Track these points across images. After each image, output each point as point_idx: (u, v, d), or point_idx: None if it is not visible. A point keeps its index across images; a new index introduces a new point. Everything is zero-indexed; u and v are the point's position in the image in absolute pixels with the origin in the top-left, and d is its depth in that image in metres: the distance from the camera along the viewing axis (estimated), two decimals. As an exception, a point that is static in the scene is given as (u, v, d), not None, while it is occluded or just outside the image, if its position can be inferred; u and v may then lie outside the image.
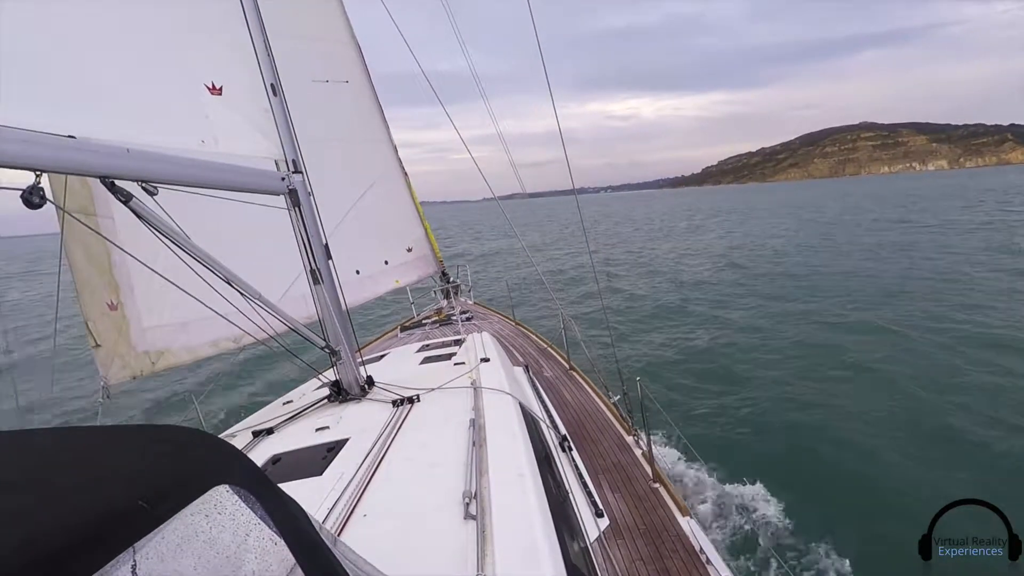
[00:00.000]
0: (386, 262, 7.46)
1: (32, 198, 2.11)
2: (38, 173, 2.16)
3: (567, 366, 7.26)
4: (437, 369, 4.59)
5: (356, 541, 1.54)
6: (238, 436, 3.74)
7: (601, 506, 3.78)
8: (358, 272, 6.82)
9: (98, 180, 2.46)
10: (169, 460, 0.94)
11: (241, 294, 3.27)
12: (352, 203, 6.68)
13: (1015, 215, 38.61)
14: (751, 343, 12.61)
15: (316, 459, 3.00)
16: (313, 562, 1.01)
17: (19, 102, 2.32)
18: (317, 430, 3.46)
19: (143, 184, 2.58)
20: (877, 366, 10.40)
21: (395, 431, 3.22)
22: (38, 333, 18.32)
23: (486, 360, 4.46)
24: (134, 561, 0.75)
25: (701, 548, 3.59)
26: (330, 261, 3.92)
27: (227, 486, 0.93)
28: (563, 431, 4.49)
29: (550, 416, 4.65)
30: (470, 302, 10.73)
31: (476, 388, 3.75)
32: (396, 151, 7.71)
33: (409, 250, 7.93)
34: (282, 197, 3.59)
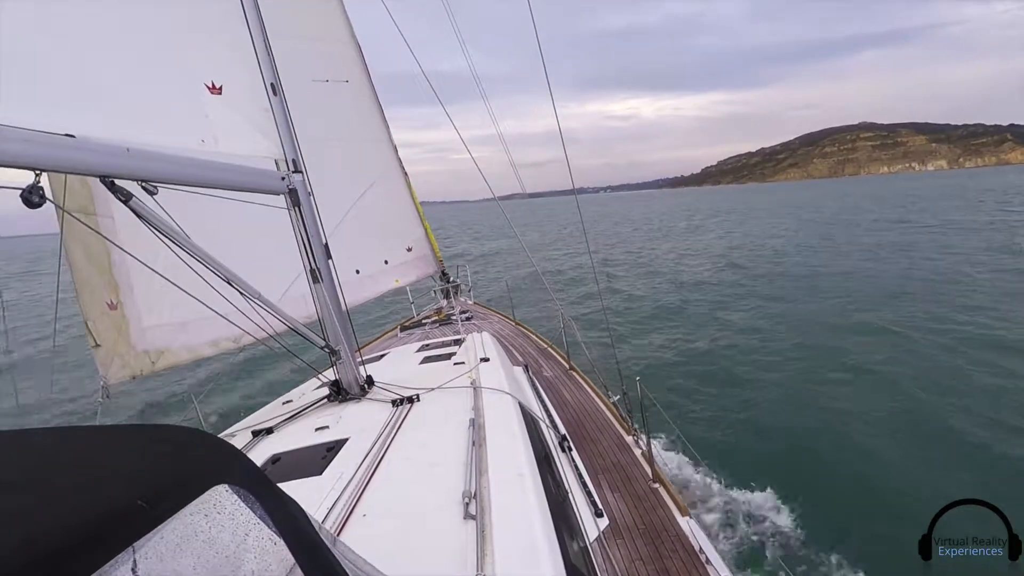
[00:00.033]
0: (386, 262, 7.46)
1: (32, 197, 2.10)
2: (38, 172, 2.16)
3: (567, 366, 7.26)
4: (437, 369, 4.59)
5: (356, 541, 1.54)
6: (238, 436, 3.73)
7: (601, 506, 3.78)
8: (358, 272, 6.82)
9: (98, 179, 2.46)
10: (169, 460, 0.94)
11: (241, 294, 3.27)
12: (352, 203, 6.68)
13: (1015, 215, 38.62)
14: (751, 344, 12.61)
15: (316, 459, 3.00)
16: (312, 562, 1.01)
17: (19, 102, 2.32)
18: (317, 430, 3.46)
19: (143, 183, 2.58)
20: (877, 367, 10.41)
21: (395, 431, 3.21)
22: (37, 333, 18.32)
23: (486, 360, 4.46)
24: (134, 561, 0.75)
25: (701, 548, 3.59)
26: (330, 261, 3.92)
27: (226, 486, 0.93)
28: (563, 431, 4.49)
29: (550, 416, 4.65)
30: (470, 302, 10.74)
31: (476, 388, 3.75)
32: (396, 151, 7.71)
33: (409, 250, 7.93)
34: (282, 197, 3.59)
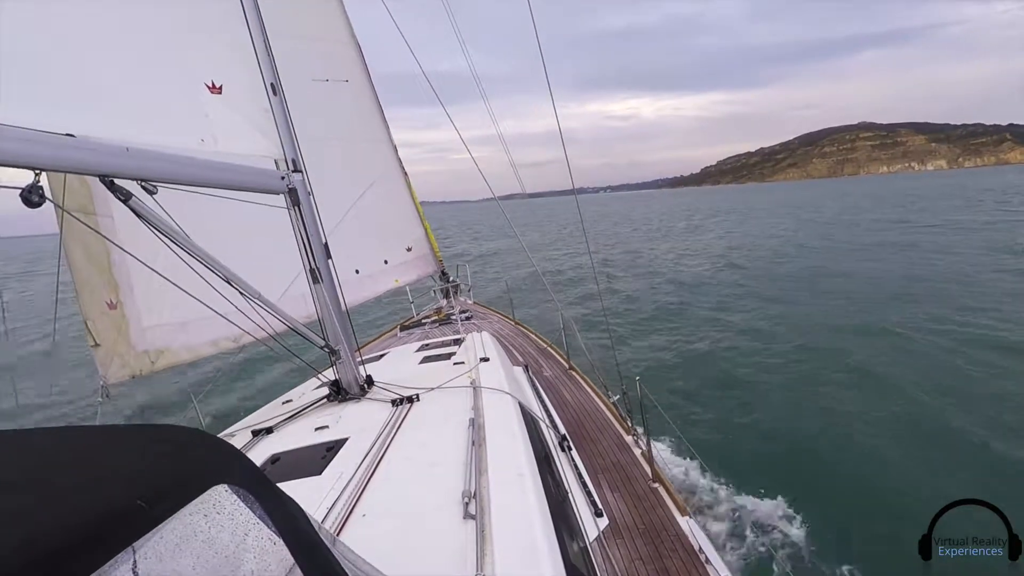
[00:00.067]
0: (386, 261, 7.46)
1: (31, 197, 2.10)
2: (37, 172, 2.16)
3: (566, 366, 7.26)
4: (436, 369, 4.59)
5: (355, 541, 1.54)
6: (237, 435, 3.73)
7: (600, 506, 3.78)
8: (358, 271, 6.82)
9: (97, 179, 2.46)
10: (169, 460, 0.93)
11: (241, 293, 3.27)
12: (352, 202, 6.68)
13: (1016, 215, 38.61)
14: (751, 345, 12.61)
15: (315, 458, 2.99)
16: (312, 562, 1.01)
17: (19, 102, 2.32)
18: (316, 429, 3.46)
19: (142, 183, 2.58)
20: (877, 367, 10.41)
21: (394, 431, 3.21)
22: (37, 333, 18.30)
23: (486, 360, 4.46)
24: (133, 561, 0.75)
25: (700, 548, 3.59)
26: (329, 260, 3.91)
27: (226, 486, 0.92)
28: (562, 431, 4.49)
29: (549, 416, 4.65)
30: (470, 302, 10.73)
31: (475, 388, 3.75)
32: (396, 150, 7.71)
33: (409, 249, 7.93)
34: (282, 196, 3.59)
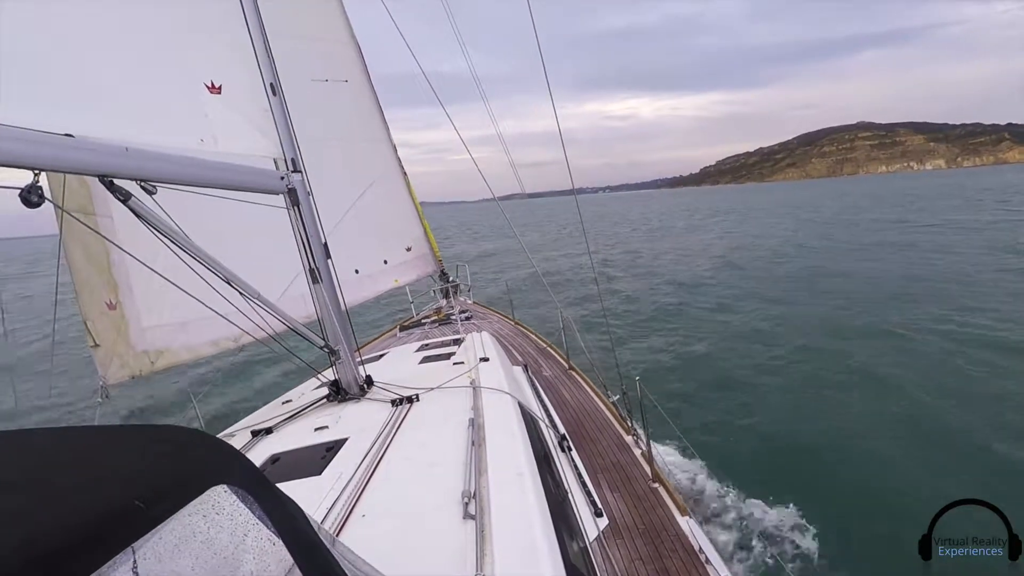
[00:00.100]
0: (385, 261, 7.45)
1: (31, 197, 2.10)
2: (36, 172, 2.16)
3: (566, 365, 7.26)
4: (436, 369, 4.59)
5: (355, 541, 1.53)
6: (237, 436, 3.73)
7: (600, 506, 3.78)
8: (357, 271, 6.81)
9: (97, 179, 2.46)
10: (168, 460, 0.93)
11: (240, 293, 3.26)
12: (351, 202, 6.68)
13: (1016, 214, 38.61)
14: (750, 346, 12.60)
15: (315, 459, 2.99)
16: (311, 562, 1.01)
17: (19, 102, 2.32)
18: (316, 430, 3.45)
19: (142, 183, 2.58)
20: (877, 367, 10.41)
21: (394, 431, 3.21)
22: (36, 334, 18.30)
23: (485, 360, 4.46)
24: (133, 561, 0.75)
25: (700, 548, 3.59)
26: (329, 260, 3.91)
27: (225, 486, 0.92)
28: (562, 431, 4.49)
29: (549, 416, 4.65)
30: (469, 301, 10.73)
31: (475, 388, 3.75)
32: (395, 150, 7.71)
33: (408, 249, 7.93)
34: (281, 196, 3.59)
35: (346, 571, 1.10)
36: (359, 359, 4.15)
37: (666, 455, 6.78)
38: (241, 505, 0.95)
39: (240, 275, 3.23)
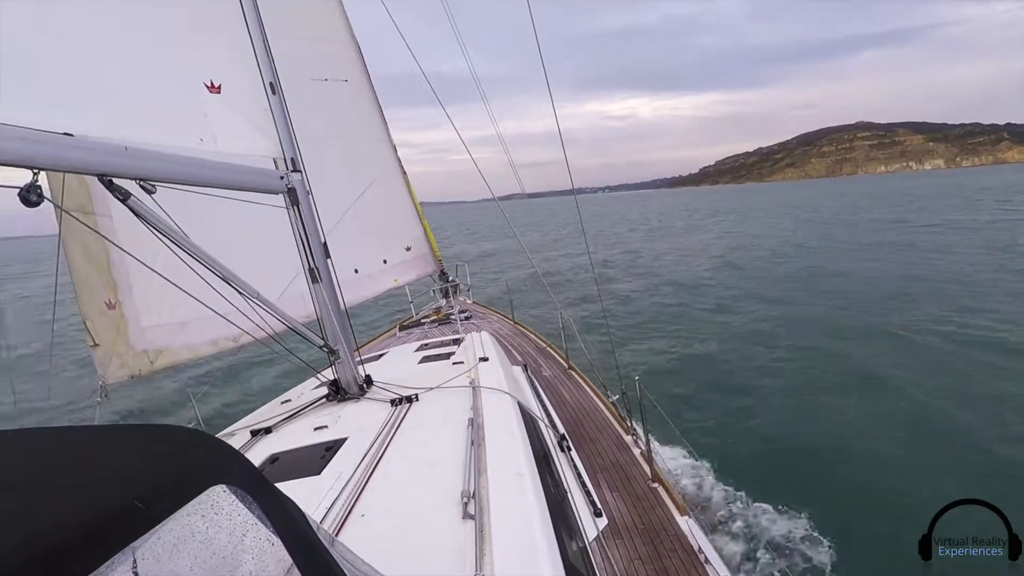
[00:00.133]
0: (385, 261, 7.45)
1: (30, 196, 2.09)
2: (35, 171, 2.15)
3: (566, 365, 7.26)
4: (436, 368, 4.58)
5: (354, 541, 1.53)
6: (236, 435, 3.72)
7: (600, 505, 3.78)
8: (357, 271, 6.81)
9: (96, 178, 2.45)
10: (167, 460, 0.93)
11: (240, 293, 3.26)
12: (351, 202, 6.67)
13: (1015, 214, 38.60)
14: (750, 346, 12.60)
15: (314, 458, 2.99)
16: (310, 562, 1.01)
17: (19, 102, 2.32)
18: (315, 429, 3.45)
19: (141, 182, 2.57)
20: (877, 368, 10.41)
21: (394, 430, 3.21)
22: (35, 334, 18.28)
23: (485, 359, 4.45)
24: (131, 561, 0.75)
25: (700, 548, 3.59)
26: (328, 260, 3.91)
27: (224, 486, 0.92)
28: (561, 430, 4.49)
29: (549, 415, 4.64)
30: (469, 301, 10.73)
31: (475, 387, 3.74)
32: (395, 150, 7.70)
33: (408, 249, 7.92)
34: (281, 196, 3.58)
35: (345, 571, 1.10)
36: (358, 359, 4.15)
37: (665, 455, 6.78)
38: (240, 505, 0.94)
39: (239, 274, 3.22)
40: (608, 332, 8.59)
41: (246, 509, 0.95)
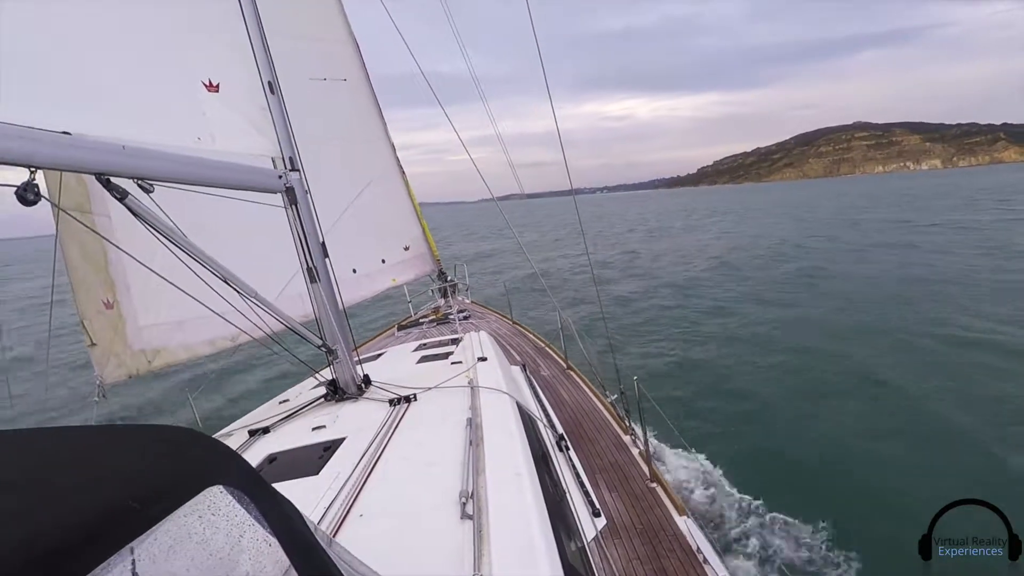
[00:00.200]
0: (383, 260, 7.45)
1: (27, 195, 2.08)
2: (33, 169, 2.14)
3: (564, 365, 7.26)
4: (434, 368, 4.57)
5: (352, 541, 1.53)
6: (234, 435, 3.71)
7: (598, 505, 3.78)
8: (355, 270, 6.81)
9: (94, 177, 2.44)
10: (165, 460, 0.93)
11: (238, 292, 3.25)
12: (349, 201, 6.66)
13: (1013, 214, 38.66)
14: (749, 347, 12.60)
15: (312, 458, 2.98)
16: (308, 563, 1.00)
17: (19, 101, 2.31)
18: (313, 429, 3.44)
19: (139, 181, 2.56)
20: (876, 368, 10.42)
21: (392, 430, 3.20)
22: (34, 333, 18.25)
23: (483, 359, 4.44)
24: (130, 560, 0.75)
25: (698, 547, 3.59)
26: (327, 259, 3.90)
27: (221, 486, 0.92)
28: (560, 430, 4.48)
29: (547, 415, 4.64)
30: (467, 301, 10.73)
31: (473, 387, 3.74)
32: (394, 150, 7.70)
33: (406, 249, 7.92)
34: (279, 195, 3.57)
35: (343, 572, 1.09)
36: (357, 358, 4.14)
37: (664, 455, 6.78)
38: (237, 505, 0.94)
39: (237, 274, 3.21)
40: (606, 331, 8.60)
41: (243, 510, 0.94)
